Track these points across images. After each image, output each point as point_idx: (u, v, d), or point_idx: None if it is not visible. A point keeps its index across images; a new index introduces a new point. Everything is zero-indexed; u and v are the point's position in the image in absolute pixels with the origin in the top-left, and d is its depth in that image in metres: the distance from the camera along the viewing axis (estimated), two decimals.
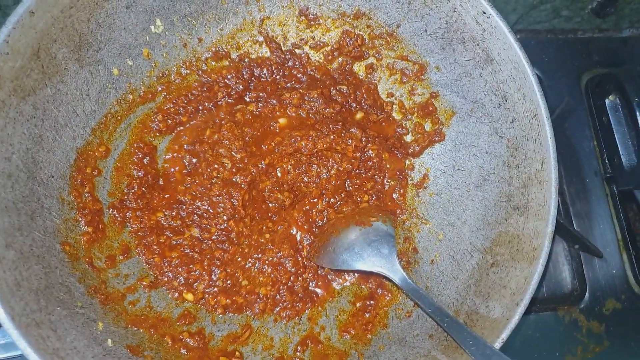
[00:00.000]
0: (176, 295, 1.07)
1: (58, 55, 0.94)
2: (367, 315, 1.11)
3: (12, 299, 0.78)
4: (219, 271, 1.09)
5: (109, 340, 0.92)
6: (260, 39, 1.21)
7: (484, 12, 1.02)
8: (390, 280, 1.04)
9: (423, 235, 1.19)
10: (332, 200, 1.18)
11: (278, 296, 1.11)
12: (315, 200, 1.17)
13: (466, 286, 1.05)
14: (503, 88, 1.05)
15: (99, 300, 0.96)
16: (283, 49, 1.22)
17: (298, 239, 1.16)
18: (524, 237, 0.98)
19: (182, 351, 1.01)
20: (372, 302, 1.13)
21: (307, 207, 1.17)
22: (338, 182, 1.18)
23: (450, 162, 1.19)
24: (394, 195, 1.21)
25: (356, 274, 1.16)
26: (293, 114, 1.19)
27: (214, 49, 1.19)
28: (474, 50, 1.07)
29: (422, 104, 1.21)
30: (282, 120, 1.19)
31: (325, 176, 1.17)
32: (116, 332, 0.94)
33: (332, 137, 1.15)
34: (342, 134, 1.16)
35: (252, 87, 1.21)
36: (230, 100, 1.19)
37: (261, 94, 1.20)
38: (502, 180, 1.07)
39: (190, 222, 1.11)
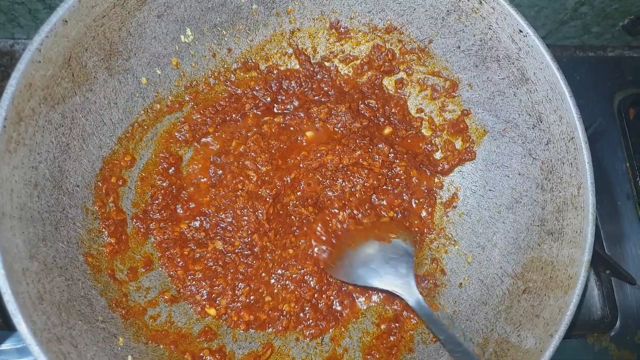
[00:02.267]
0: (199, 309, 1.04)
1: (88, 63, 0.93)
2: (391, 338, 1.08)
3: (35, 313, 0.77)
4: (242, 286, 1.07)
5: (130, 357, 0.90)
6: (290, 51, 1.19)
7: (521, 31, 0.99)
8: (404, 301, 1.01)
9: (451, 256, 1.15)
10: (354, 211, 1.15)
11: (302, 314, 1.08)
12: (336, 211, 1.14)
13: (496, 312, 1.02)
14: (538, 109, 1.02)
15: (119, 314, 0.94)
16: (312, 61, 1.20)
17: (316, 251, 1.12)
18: (558, 265, 0.95)
19: None
20: (397, 324, 1.09)
21: (328, 217, 1.14)
22: (363, 197, 1.15)
23: (480, 182, 1.16)
24: (422, 214, 1.18)
25: (381, 294, 1.13)
26: (320, 128, 1.17)
27: (242, 60, 1.17)
28: (509, 69, 1.05)
29: (452, 121, 1.18)
30: (309, 134, 1.17)
31: (350, 191, 1.15)
32: (136, 349, 0.92)
33: (358, 152, 1.13)
34: (369, 149, 1.14)
35: (279, 100, 1.19)
36: (257, 112, 1.18)
37: (289, 107, 1.18)
38: (535, 203, 1.04)
39: (213, 235, 1.09)
